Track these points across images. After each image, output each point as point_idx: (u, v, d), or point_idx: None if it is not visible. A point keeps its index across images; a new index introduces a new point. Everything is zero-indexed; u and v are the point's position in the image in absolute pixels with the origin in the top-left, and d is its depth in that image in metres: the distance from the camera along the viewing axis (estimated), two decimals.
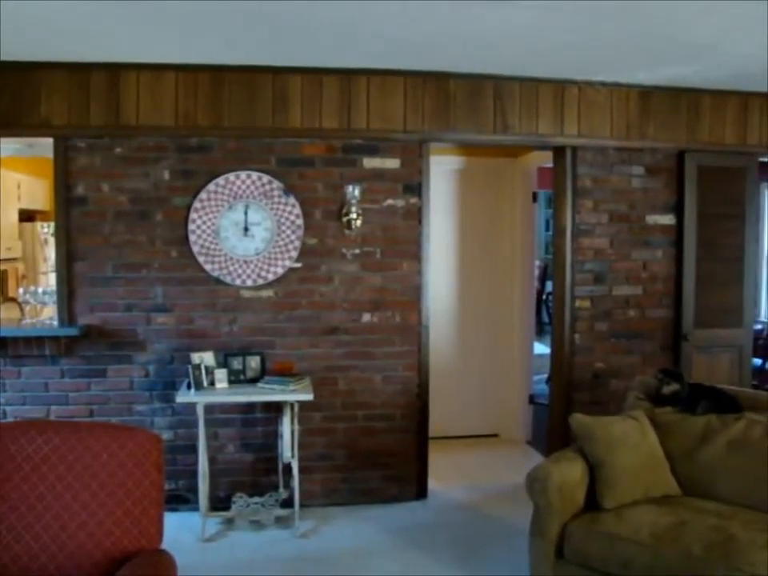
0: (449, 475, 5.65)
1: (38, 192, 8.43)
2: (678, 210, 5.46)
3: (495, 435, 6.76)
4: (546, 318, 8.99)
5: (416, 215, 5.08)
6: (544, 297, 9.01)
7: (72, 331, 4.75)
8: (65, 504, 2.73)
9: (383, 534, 4.68)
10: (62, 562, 2.68)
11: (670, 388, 4.17)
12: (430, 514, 5.01)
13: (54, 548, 2.69)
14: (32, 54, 4.53)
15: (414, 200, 5.06)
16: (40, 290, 5.17)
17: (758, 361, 7.15)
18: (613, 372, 5.45)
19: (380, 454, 5.15)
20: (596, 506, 3.66)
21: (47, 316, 5.15)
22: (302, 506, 4.71)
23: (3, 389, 4.83)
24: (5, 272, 7.41)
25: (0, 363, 4.82)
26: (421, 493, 5.23)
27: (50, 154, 4.89)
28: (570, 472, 3.71)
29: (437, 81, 5.01)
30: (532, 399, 6.75)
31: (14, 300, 5.76)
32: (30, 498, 2.73)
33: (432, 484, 5.31)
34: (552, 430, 5.65)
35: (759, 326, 7.61)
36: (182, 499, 4.92)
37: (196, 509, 4.75)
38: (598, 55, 4.55)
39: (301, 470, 4.72)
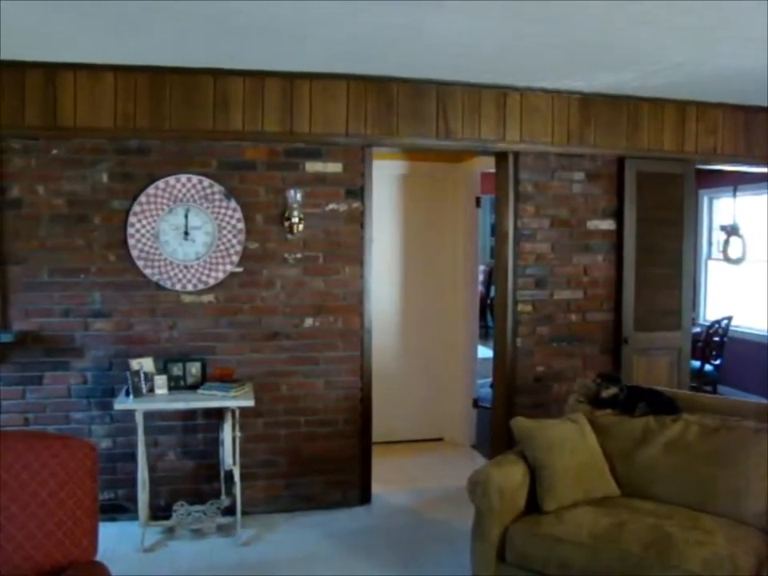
0: (393, 480, 5.65)
1: None
2: (618, 215, 5.56)
3: (439, 439, 6.78)
4: (491, 323, 9.04)
5: (358, 219, 5.07)
6: (489, 301, 9.07)
7: (6, 337, 4.61)
8: None
9: (326, 540, 4.66)
10: None
11: (608, 391, 4.23)
12: (373, 519, 5.01)
13: None
14: None
15: (356, 204, 5.05)
16: None
17: (696, 363, 7.31)
18: (554, 375, 5.51)
19: (323, 460, 5.12)
20: (537, 508, 3.69)
21: None
22: (244, 513, 4.66)
23: None
24: None
25: None
26: (364, 498, 5.22)
27: None
28: (511, 475, 3.74)
29: (379, 85, 5.02)
30: (476, 403, 6.79)
31: None
32: None
33: (376, 489, 5.30)
34: (495, 433, 5.70)
35: (698, 329, 7.78)
36: (121, 509, 4.83)
37: (136, 518, 4.65)
38: (537, 61, 4.59)
39: (243, 477, 4.66)
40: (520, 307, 5.43)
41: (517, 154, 5.37)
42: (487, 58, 4.52)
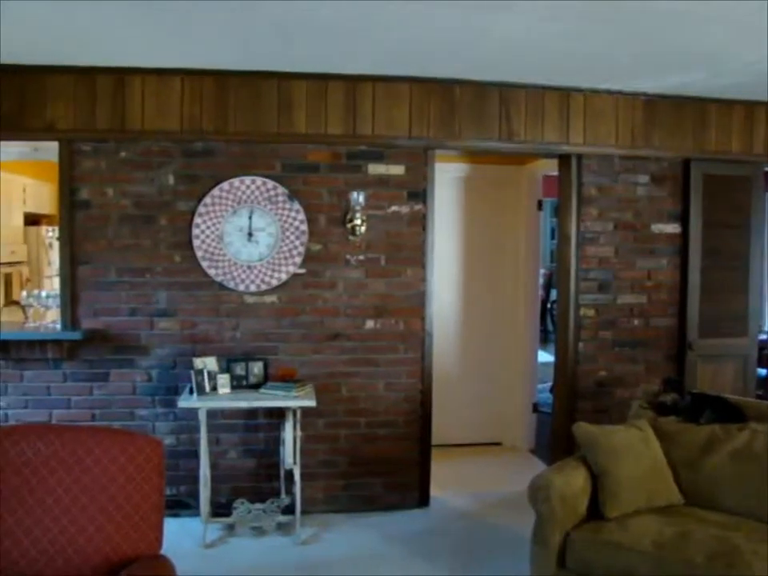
0: (451, 483, 5.62)
1: (43, 196, 8.43)
2: (684, 218, 5.45)
3: (498, 443, 6.73)
4: (550, 327, 8.94)
5: (420, 222, 5.07)
6: (549, 305, 8.97)
7: (75, 335, 4.75)
8: (64, 508, 2.73)
9: (385, 541, 4.65)
10: (60, 566, 2.68)
11: (670, 397, 4.16)
12: (431, 522, 4.98)
13: (53, 552, 2.69)
14: (38, 57, 4.54)
15: (418, 207, 5.06)
16: (44, 293, 5.16)
17: (763, 371, 7.12)
18: (617, 381, 5.43)
19: (382, 462, 5.12)
20: (599, 515, 3.64)
21: (50, 319, 5.13)
22: (303, 512, 4.69)
23: (5, 392, 4.83)
24: (9, 275, 7.41)
25: (2, 366, 4.81)
26: (423, 501, 5.21)
27: (55, 158, 4.89)
28: (573, 481, 3.70)
29: (442, 88, 5.01)
30: (536, 408, 6.73)
31: (17, 303, 5.76)
32: (28, 502, 2.73)
33: (434, 492, 5.28)
34: (555, 438, 5.63)
35: (765, 336, 7.57)
36: (183, 505, 4.91)
37: (197, 514, 4.74)
38: (603, 63, 4.55)
39: (303, 477, 4.69)
40: (582, 311, 5.37)
41: (580, 157, 5.31)
42: (551, 60, 4.49)
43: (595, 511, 3.67)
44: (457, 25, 3.78)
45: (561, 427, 5.41)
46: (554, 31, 3.86)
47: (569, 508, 3.61)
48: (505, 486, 5.60)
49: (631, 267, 5.43)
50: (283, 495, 4.89)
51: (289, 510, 4.75)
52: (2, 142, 5.17)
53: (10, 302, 6.49)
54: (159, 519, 2.85)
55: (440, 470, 5.49)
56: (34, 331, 4.91)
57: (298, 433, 4.62)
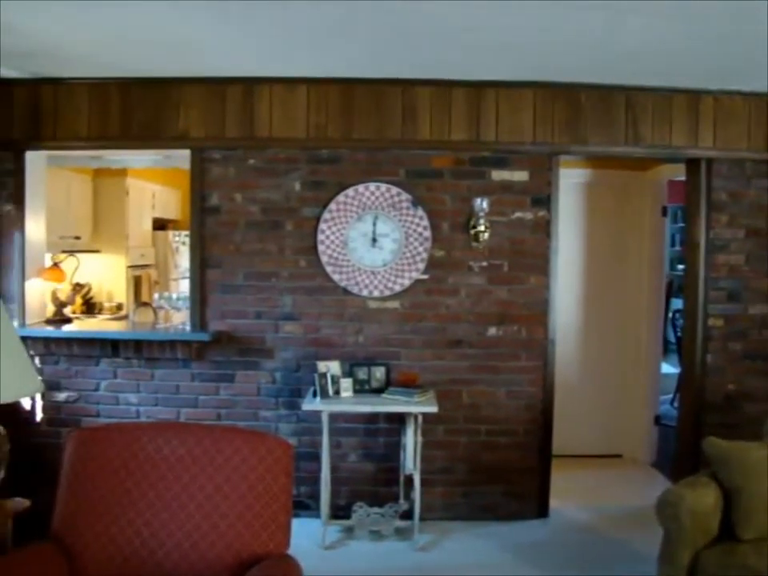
0: (570, 494, 5.50)
1: (170, 202, 8.79)
2: None
3: (618, 456, 6.56)
4: (670, 337, 8.64)
5: (544, 228, 5.00)
6: (670, 314, 8.67)
7: (204, 336, 4.90)
8: (198, 504, 2.81)
9: (503, 551, 4.60)
10: (194, 560, 2.75)
11: None
12: (550, 534, 4.91)
13: (187, 546, 2.77)
14: (171, 70, 4.73)
15: (542, 213, 4.99)
16: (174, 295, 5.35)
17: None
18: (747, 395, 5.19)
19: (501, 470, 5.07)
20: (731, 535, 3.48)
21: (178, 321, 5.32)
22: (421, 518, 4.67)
23: (137, 389, 5.03)
24: (139, 278, 7.73)
25: (134, 365, 5.02)
26: (542, 511, 5.13)
27: (184, 165, 5.09)
28: (704, 498, 3.54)
29: (567, 92, 4.93)
30: (658, 420, 6.53)
31: (147, 304, 5.99)
32: (165, 497, 2.82)
33: (553, 503, 5.19)
34: (680, 453, 5.43)
35: None
36: (302, 505, 4.98)
37: (315, 515, 4.81)
38: (734, 62, 4.36)
39: (421, 483, 4.68)
40: (711, 321, 5.16)
41: (710, 161, 5.11)
42: (679, 61, 4.35)
43: (727, 532, 3.51)
44: (582, 28, 3.71)
45: (686, 441, 5.23)
46: (680, 31, 3.73)
47: (699, 526, 3.46)
48: (626, 500, 5.46)
49: (764, 276, 5.18)
50: (402, 500, 4.90)
51: (407, 515, 4.76)
52: (136, 151, 5.44)
53: (141, 303, 6.75)
54: (287, 520, 2.89)
55: (559, 481, 5.38)
56: (164, 332, 5.10)
57: (419, 438, 4.61)
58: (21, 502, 2.97)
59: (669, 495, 3.56)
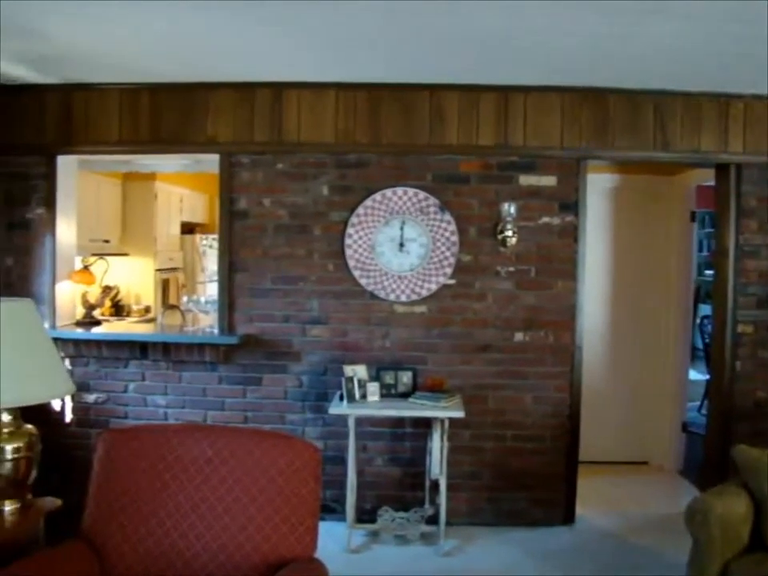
0: (596, 501, 5.47)
1: (198, 205, 8.87)
2: None
3: (644, 463, 6.51)
4: (698, 343, 8.57)
5: (572, 234, 4.98)
6: (697, 321, 8.60)
7: (232, 340, 4.93)
8: (226, 506, 2.82)
9: (528, 558, 4.58)
10: (222, 562, 2.76)
11: None
12: (576, 541, 4.87)
13: (215, 548, 2.77)
14: (200, 75, 4.78)
15: (569, 218, 4.97)
16: (202, 299, 5.40)
17: None
18: None
19: (527, 476, 5.05)
20: (762, 545, 3.43)
21: (206, 324, 5.36)
22: (446, 523, 4.66)
23: (165, 391, 5.07)
24: (167, 281, 7.80)
25: (163, 367, 5.07)
26: (568, 518, 5.10)
27: (213, 170, 5.13)
28: (734, 507, 3.49)
29: (595, 97, 4.91)
30: (685, 427, 6.47)
31: (175, 307, 6.03)
32: (194, 499, 2.83)
33: (579, 509, 5.16)
34: (708, 460, 5.38)
35: None
36: (328, 509, 4.98)
37: (340, 519, 4.82)
38: (765, 66, 4.31)
39: (447, 488, 4.67)
40: (740, 328, 5.11)
41: (739, 166, 5.07)
42: (708, 65, 4.32)
43: (758, 542, 3.46)
44: (609, 31, 3.70)
45: (714, 449, 5.18)
46: (709, 33, 3.71)
47: (729, 536, 3.42)
48: (653, 508, 5.42)
49: None
50: (427, 505, 4.90)
51: (432, 520, 4.75)
52: (166, 155, 5.49)
53: (169, 305, 6.80)
54: (314, 523, 2.89)
55: (585, 487, 5.35)
56: (192, 335, 5.14)
57: (445, 443, 4.61)
58: (52, 501, 3.00)
59: (698, 504, 3.52)
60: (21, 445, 2.86)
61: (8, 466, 2.82)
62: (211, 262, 7.64)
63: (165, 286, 7.74)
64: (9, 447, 2.83)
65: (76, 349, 5.05)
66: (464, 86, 4.85)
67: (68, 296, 5.29)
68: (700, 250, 11.57)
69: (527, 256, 4.98)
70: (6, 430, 2.86)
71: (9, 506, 2.83)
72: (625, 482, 6.06)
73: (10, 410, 2.88)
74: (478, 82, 4.82)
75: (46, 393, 3.01)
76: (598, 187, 6.11)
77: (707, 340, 8.17)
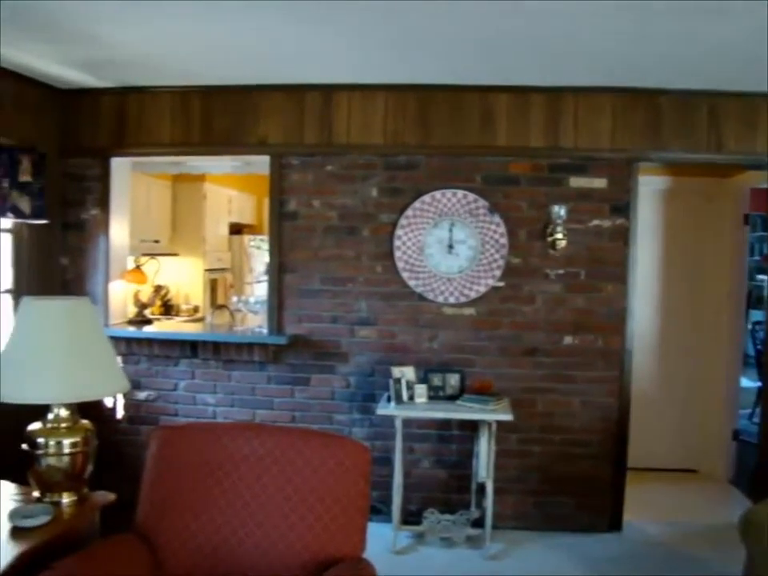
0: (644, 509, 5.38)
1: (246, 207, 8.96)
2: None
3: (694, 471, 6.39)
4: (750, 350, 8.39)
5: (623, 237, 4.91)
6: (749, 326, 8.42)
7: (280, 340, 4.98)
8: (277, 505, 2.83)
9: (574, 564, 4.54)
10: (272, 559, 2.77)
11: None
12: (623, 548, 4.81)
13: (266, 545, 2.79)
14: (251, 77, 4.83)
15: (620, 221, 4.91)
16: (252, 299, 5.45)
17: None
18: None
19: (574, 481, 5.00)
20: None
21: (254, 324, 5.41)
22: (492, 527, 4.64)
23: (214, 390, 5.14)
24: (215, 281, 7.89)
25: (212, 366, 5.13)
26: (615, 525, 5.03)
27: (263, 171, 5.18)
28: None
29: (647, 98, 4.85)
30: (736, 435, 6.34)
31: (224, 307, 6.10)
32: (245, 496, 2.86)
33: (626, 516, 5.08)
34: (760, 469, 5.29)
35: None
36: (374, 510, 4.96)
37: (386, 520, 4.82)
38: None
39: (493, 491, 4.65)
40: None
41: None
42: (763, 64, 4.22)
43: None
44: (662, 32, 3.66)
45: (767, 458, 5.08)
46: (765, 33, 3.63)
47: None
48: (702, 517, 5.32)
49: None
50: (473, 508, 4.89)
51: (478, 523, 4.74)
52: (216, 157, 5.55)
53: (218, 305, 6.88)
54: (363, 523, 2.90)
55: (633, 494, 5.27)
56: (242, 335, 5.19)
57: (492, 446, 4.59)
58: (107, 495, 3.05)
59: (753, 515, 3.45)
60: (78, 440, 2.91)
61: (65, 459, 2.87)
62: (259, 263, 7.70)
63: (213, 286, 7.82)
64: (66, 442, 2.88)
65: (128, 347, 5.14)
66: (514, 87, 4.83)
67: (120, 295, 5.38)
68: (751, 254, 11.35)
69: (577, 259, 4.93)
70: (63, 425, 2.92)
71: (66, 499, 2.88)
72: (674, 490, 5.97)
73: (68, 406, 2.93)
74: (527, 84, 4.79)
75: (102, 390, 3.07)
76: (650, 189, 6.03)
77: (759, 346, 8.02)
